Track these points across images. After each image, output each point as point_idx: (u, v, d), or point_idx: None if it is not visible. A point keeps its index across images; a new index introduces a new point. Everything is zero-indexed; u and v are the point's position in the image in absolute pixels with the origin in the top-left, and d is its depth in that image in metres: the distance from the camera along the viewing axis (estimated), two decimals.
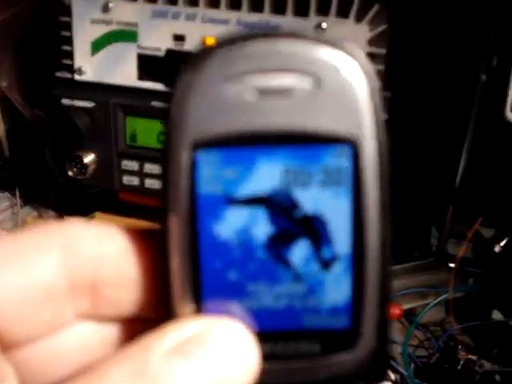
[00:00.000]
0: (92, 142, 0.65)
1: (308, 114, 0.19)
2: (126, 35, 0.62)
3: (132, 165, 0.66)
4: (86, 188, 0.72)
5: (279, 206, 0.19)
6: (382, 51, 0.57)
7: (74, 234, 0.21)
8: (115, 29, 0.63)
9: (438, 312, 0.65)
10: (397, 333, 0.63)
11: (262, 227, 0.19)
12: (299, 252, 0.20)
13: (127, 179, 0.66)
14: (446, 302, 0.63)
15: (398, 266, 0.68)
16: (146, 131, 0.64)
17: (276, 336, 0.20)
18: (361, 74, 0.19)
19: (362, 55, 0.19)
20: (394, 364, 0.59)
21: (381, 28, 0.56)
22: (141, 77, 0.64)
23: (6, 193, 0.76)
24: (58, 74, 0.66)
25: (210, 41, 0.61)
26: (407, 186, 0.71)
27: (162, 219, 0.20)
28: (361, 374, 0.20)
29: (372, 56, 0.57)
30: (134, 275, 0.21)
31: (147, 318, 0.22)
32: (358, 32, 0.56)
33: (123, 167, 0.66)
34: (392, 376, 0.58)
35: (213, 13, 0.60)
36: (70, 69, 0.65)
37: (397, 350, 0.61)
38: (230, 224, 0.19)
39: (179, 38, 0.61)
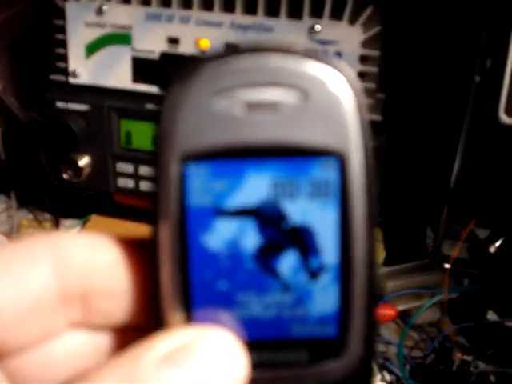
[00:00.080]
0: (87, 145, 0.65)
1: (296, 127, 0.19)
2: (120, 38, 0.62)
3: (127, 167, 0.66)
4: (81, 191, 0.73)
5: (268, 217, 0.19)
6: (376, 53, 0.57)
7: (65, 245, 0.21)
8: (109, 32, 0.63)
9: (433, 313, 0.65)
10: (392, 334, 0.64)
11: (250, 238, 0.20)
12: (287, 262, 0.20)
13: (122, 182, 0.66)
14: (441, 303, 0.63)
15: (393, 267, 0.68)
16: (141, 134, 0.64)
17: (265, 345, 0.20)
18: (347, 88, 0.19)
19: (349, 70, 0.19)
20: (389, 365, 0.59)
21: (374, 30, 0.56)
22: (135, 79, 0.64)
23: (2, 196, 0.76)
24: (53, 77, 0.66)
25: (204, 43, 0.61)
26: (402, 187, 0.71)
27: (152, 230, 0.20)
28: (348, 382, 0.20)
29: (366, 58, 0.57)
30: (125, 285, 0.21)
31: (139, 326, 0.22)
32: (352, 34, 0.57)
33: (118, 170, 0.66)
34: (387, 377, 0.58)
35: (207, 15, 0.60)
36: (65, 72, 0.65)
37: (392, 350, 0.61)
38: (220, 235, 0.20)
39: (173, 41, 0.61)
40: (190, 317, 0.20)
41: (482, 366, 0.56)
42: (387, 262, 0.68)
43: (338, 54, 0.57)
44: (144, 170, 0.65)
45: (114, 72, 0.64)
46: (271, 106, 0.19)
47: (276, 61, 0.19)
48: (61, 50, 0.65)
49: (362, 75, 0.57)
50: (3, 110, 0.72)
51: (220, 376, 0.18)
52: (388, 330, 0.64)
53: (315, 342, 0.20)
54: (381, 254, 0.67)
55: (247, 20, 0.59)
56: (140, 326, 0.22)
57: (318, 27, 0.57)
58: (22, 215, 0.76)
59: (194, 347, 0.19)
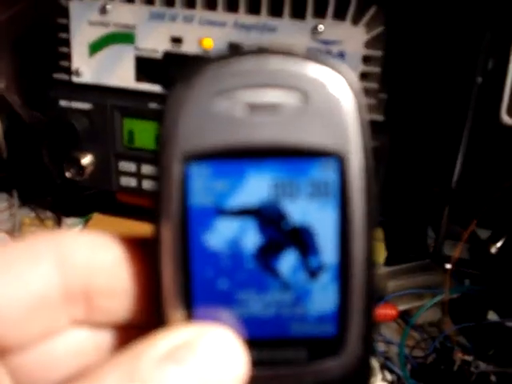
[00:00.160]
0: (89, 144, 0.65)
1: (296, 128, 0.19)
2: (124, 37, 0.63)
3: (129, 166, 0.66)
4: (84, 189, 0.73)
5: (268, 217, 0.20)
6: (379, 53, 0.57)
7: (67, 243, 0.21)
8: (113, 31, 0.63)
9: (434, 313, 0.65)
10: (393, 333, 0.64)
11: (251, 238, 0.20)
12: (287, 262, 0.20)
13: (125, 180, 0.67)
14: (442, 303, 0.64)
15: (395, 267, 0.68)
16: (144, 133, 0.64)
17: (264, 343, 0.20)
18: (347, 89, 0.20)
19: (349, 71, 0.19)
20: (390, 364, 0.59)
21: (377, 30, 0.56)
22: (138, 78, 0.64)
23: (4, 194, 0.77)
24: (56, 76, 0.66)
25: (208, 43, 0.62)
26: (404, 187, 0.71)
27: (154, 229, 0.20)
28: (347, 380, 0.21)
29: (369, 58, 0.57)
30: (127, 283, 0.21)
31: (140, 324, 0.22)
32: (355, 34, 0.57)
33: (121, 168, 0.66)
34: (388, 376, 0.58)
35: (210, 15, 0.60)
36: (68, 70, 0.65)
37: (393, 350, 0.61)
38: (221, 234, 0.20)
39: (177, 40, 0.61)
40: (190, 315, 0.20)
41: (482, 366, 0.56)
42: (388, 262, 0.68)
43: (341, 54, 0.57)
44: (146, 169, 0.65)
45: (117, 71, 0.64)
46: (272, 108, 0.19)
47: (277, 63, 0.19)
48: (64, 49, 0.65)
49: (364, 75, 0.58)
50: (6, 108, 0.72)
51: (220, 373, 0.19)
52: (389, 330, 0.64)
53: (314, 341, 0.20)
54: (382, 254, 0.67)
55: (250, 20, 0.59)
56: (141, 323, 0.22)
57: (321, 27, 0.57)
58: (24, 213, 0.76)
59: (194, 344, 0.19)
